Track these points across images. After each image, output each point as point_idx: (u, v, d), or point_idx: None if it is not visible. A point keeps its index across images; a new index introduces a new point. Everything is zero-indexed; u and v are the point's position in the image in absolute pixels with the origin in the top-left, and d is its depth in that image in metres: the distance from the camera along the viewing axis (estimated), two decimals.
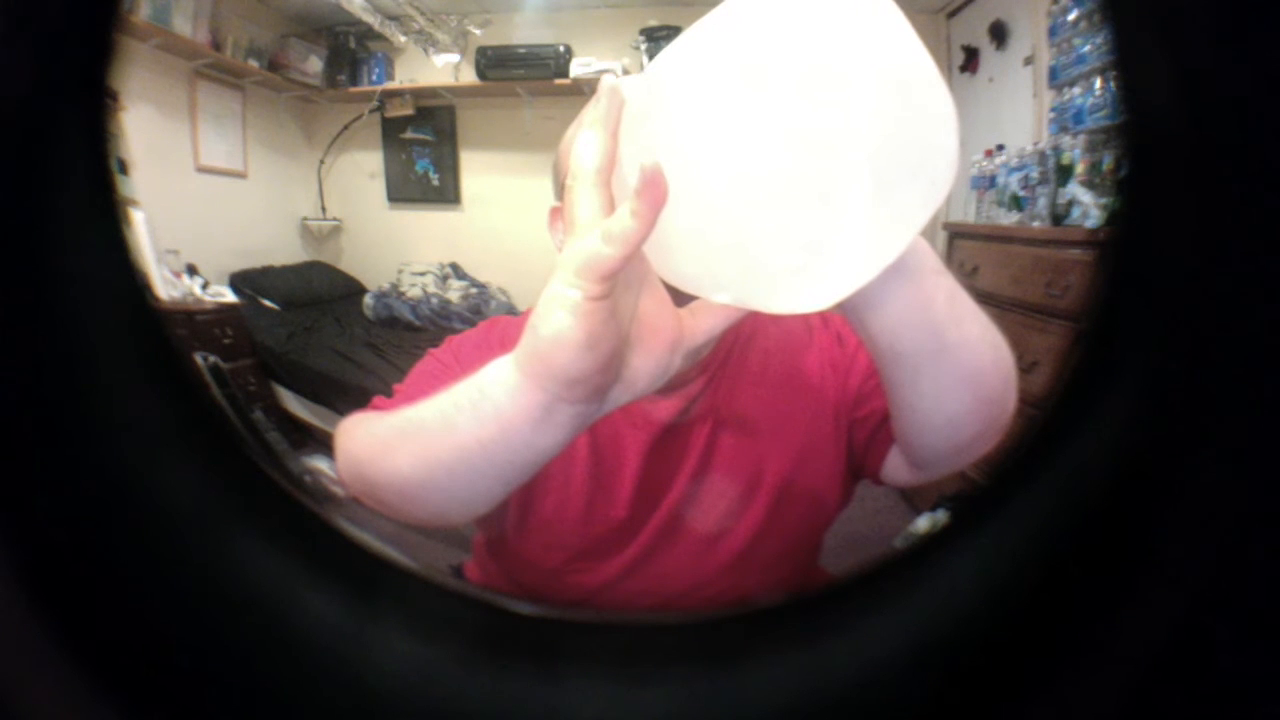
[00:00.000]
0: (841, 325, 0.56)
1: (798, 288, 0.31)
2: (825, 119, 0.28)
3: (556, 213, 0.55)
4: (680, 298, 0.34)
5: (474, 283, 2.77)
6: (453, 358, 0.55)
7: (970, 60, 2.02)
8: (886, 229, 0.29)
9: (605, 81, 0.31)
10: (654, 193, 0.28)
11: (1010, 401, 0.38)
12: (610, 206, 0.30)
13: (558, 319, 0.29)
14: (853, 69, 0.28)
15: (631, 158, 0.31)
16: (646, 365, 0.33)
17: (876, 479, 0.54)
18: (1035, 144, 1.67)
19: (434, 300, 2.66)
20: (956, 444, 0.40)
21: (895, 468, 0.52)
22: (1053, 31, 1.69)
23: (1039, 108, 1.73)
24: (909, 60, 0.29)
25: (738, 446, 0.53)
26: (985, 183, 1.82)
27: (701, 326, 0.34)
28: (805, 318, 0.58)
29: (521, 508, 0.54)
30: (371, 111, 2.82)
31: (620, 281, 0.30)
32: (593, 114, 0.31)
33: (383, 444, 0.39)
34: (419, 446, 0.36)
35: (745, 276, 0.31)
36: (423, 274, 2.75)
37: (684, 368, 0.52)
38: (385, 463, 0.38)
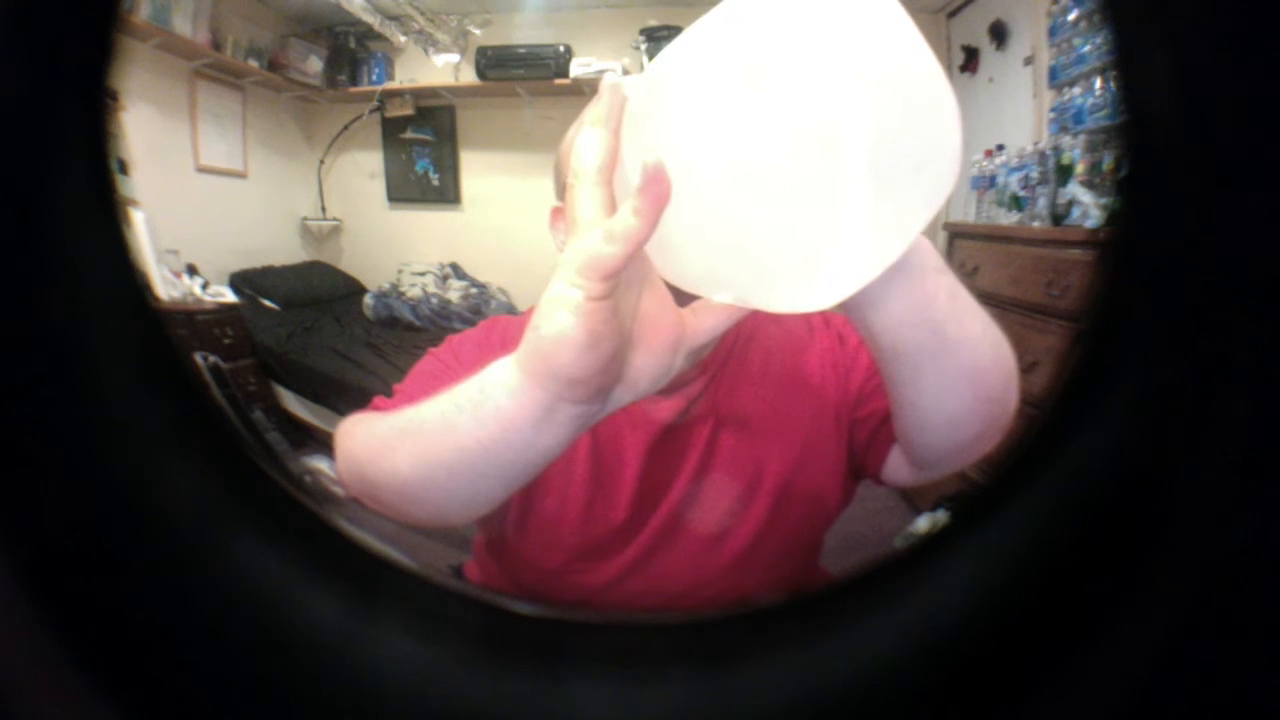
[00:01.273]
0: (843, 325, 0.56)
1: (800, 286, 0.31)
2: (827, 117, 0.28)
3: (558, 213, 0.55)
4: (682, 297, 0.34)
5: (474, 283, 2.77)
6: (453, 357, 0.55)
7: (970, 60, 2.02)
8: (889, 227, 0.29)
9: (607, 79, 0.31)
10: (657, 190, 0.28)
11: (1011, 400, 0.38)
12: (612, 205, 0.30)
13: (559, 319, 0.29)
14: (855, 67, 0.28)
15: (633, 156, 0.31)
16: (649, 365, 0.33)
17: (877, 479, 0.54)
18: (1035, 144, 1.67)
19: (434, 300, 2.66)
20: (958, 443, 0.40)
21: (896, 467, 0.52)
22: (1053, 31, 1.69)
23: (1039, 108, 1.73)
24: (912, 58, 0.28)
25: (738, 446, 0.53)
26: (985, 183, 1.82)
27: (704, 326, 0.34)
28: (806, 317, 0.58)
29: (522, 508, 0.54)
30: (371, 111, 2.82)
31: (622, 281, 0.30)
32: (594, 112, 0.31)
33: (383, 444, 0.39)
34: (419, 447, 0.36)
35: (747, 275, 0.31)
36: (423, 274, 2.76)
37: (685, 368, 0.53)
38: (385, 463, 0.38)
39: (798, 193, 0.29)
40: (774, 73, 0.29)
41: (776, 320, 0.58)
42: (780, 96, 0.29)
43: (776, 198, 0.29)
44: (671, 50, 0.31)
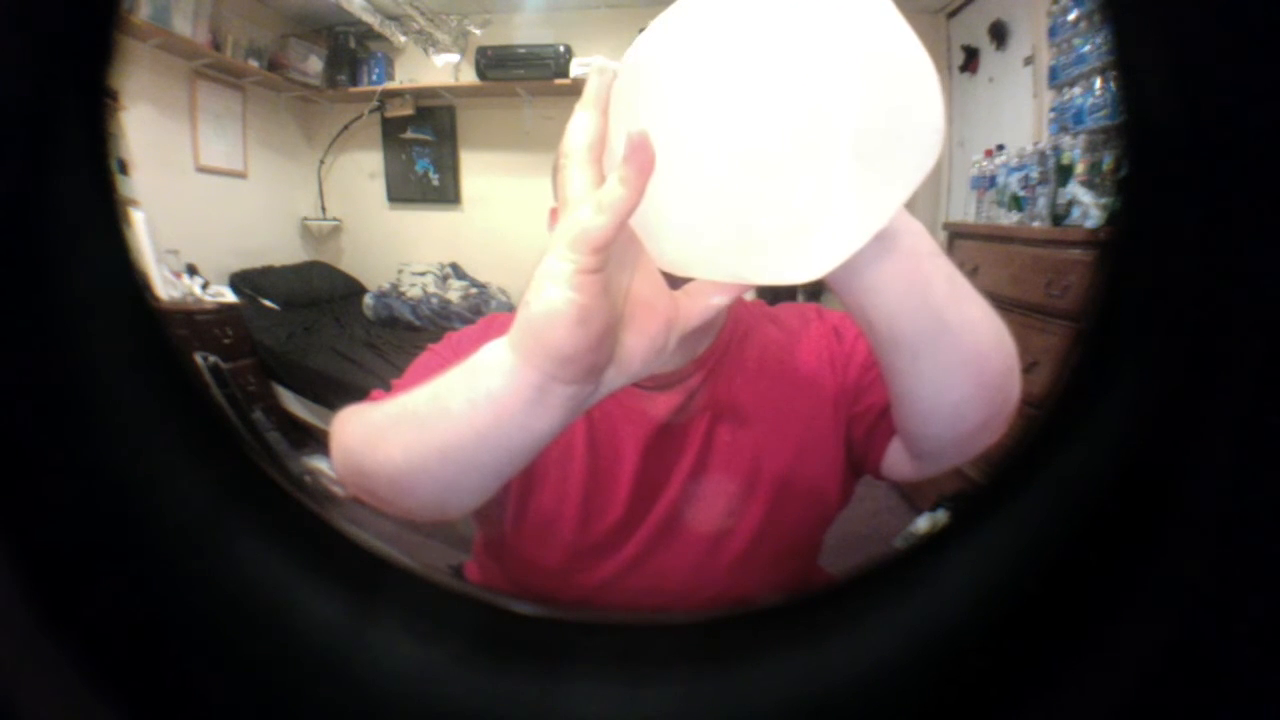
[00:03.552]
0: (839, 320, 0.56)
1: (790, 257, 0.31)
2: (808, 88, 0.29)
3: (557, 213, 0.55)
4: (675, 283, 0.34)
5: (474, 283, 2.77)
6: (452, 353, 0.55)
7: (970, 60, 2.02)
8: (875, 195, 0.30)
9: (595, 63, 0.32)
10: (641, 158, 0.28)
11: (1013, 389, 0.38)
12: (601, 183, 0.30)
13: (550, 294, 0.30)
14: (833, 38, 0.28)
15: (621, 136, 0.31)
16: (640, 345, 0.33)
17: (877, 473, 0.54)
18: (1035, 144, 1.67)
19: (434, 300, 2.66)
20: (961, 434, 0.39)
21: (896, 461, 0.51)
22: (1053, 31, 1.69)
23: (1039, 108, 1.73)
24: (889, 30, 0.29)
25: (735, 441, 0.53)
26: (985, 183, 1.82)
27: (696, 308, 0.34)
28: (802, 314, 0.58)
29: (519, 506, 0.54)
30: (371, 111, 2.82)
31: (614, 260, 0.31)
32: (584, 95, 0.32)
33: (376, 433, 0.38)
34: (413, 433, 0.36)
35: (736, 250, 0.31)
36: (423, 274, 2.76)
37: (681, 360, 0.53)
38: (378, 452, 0.38)
39: (783, 164, 0.29)
40: (756, 46, 0.29)
41: (772, 317, 0.58)
42: (763, 70, 0.29)
43: (762, 170, 0.30)
44: (654, 29, 0.31)
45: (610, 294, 0.31)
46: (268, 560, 0.27)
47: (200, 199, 2.39)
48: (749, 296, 0.50)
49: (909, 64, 0.29)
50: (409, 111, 2.80)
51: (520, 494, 0.53)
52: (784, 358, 0.55)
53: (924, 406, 0.38)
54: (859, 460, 0.54)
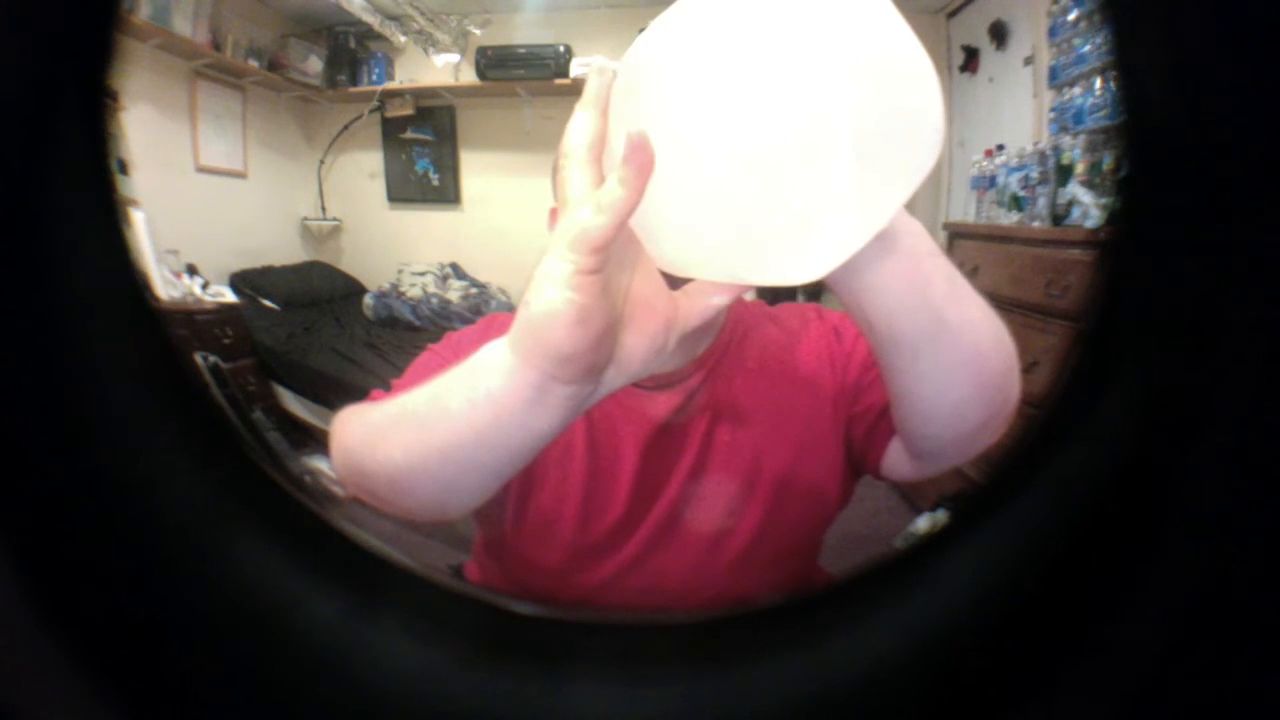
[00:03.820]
0: (839, 320, 0.56)
1: (790, 257, 0.31)
2: (808, 88, 0.29)
3: (556, 213, 0.55)
4: (675, 284, 0.34)
5: (474, 283, 2.77)
6: (451, 353, 0.55)
7: (970, 60, 2.02)
8: (875, 195, 0.30)
9: (595, 63, 0.32)
10: (640, 159, 0.28)
11: (1013, 389, 0.38)
12: (601, 183, 0.31)
13: (550, 294, 0.30)
14: (833, 39, 0.28)
15: (620, 136, 0.31)
16: (640, 344, 0.33)
17: (877, 473, 0.54)
18: (1035, 144, 1.67)
19: (434, 300, 2.66)
20: (961, 433, 0.39)
21: (896, 461, 0.51)
22: (1053, 31, 1.69)
23: (1039, 108, 1.73)
24: (889, 30, 0.29)
25: (735, 441, 0.53)
26: (985, 183, 1.82)
27: (696, 308, 0.34)
28: (802, 314, 0.58)
29: (519, 505, 0.54)
30: (371, 111, 2.82)
31: (613, 261, 0.31)
32: (584, 95, 0.32)
33: (376, 432, 0.38)
34: (412, 433, 0.36)
35: (736, 250, 0.31)
36: (423, 274, 2.75)
37: (681, 360, 0.53)
38: (378, 452, 0.38)
39: (783, 164, 0.29)
40: (756, 46, 0.29)
41: (772, 317, 0.58)
42: (763, 70, 0.29)
43: (762, 170, 0.30)
44: (654, 29, 0.31)
45: (610, 294, 0.31)
46: (268, 560, 0.27)
47: (200, 199, 2.39)
48: (749, 296, 0.50)
49: (909, 64, 0.29)
50: (409, 111, 2.80)
51: (520, 494, 0.53)
52: (784, 358, 0.55)
53: (924, 406, 0.38)
54: (859, 460, 0.54)
